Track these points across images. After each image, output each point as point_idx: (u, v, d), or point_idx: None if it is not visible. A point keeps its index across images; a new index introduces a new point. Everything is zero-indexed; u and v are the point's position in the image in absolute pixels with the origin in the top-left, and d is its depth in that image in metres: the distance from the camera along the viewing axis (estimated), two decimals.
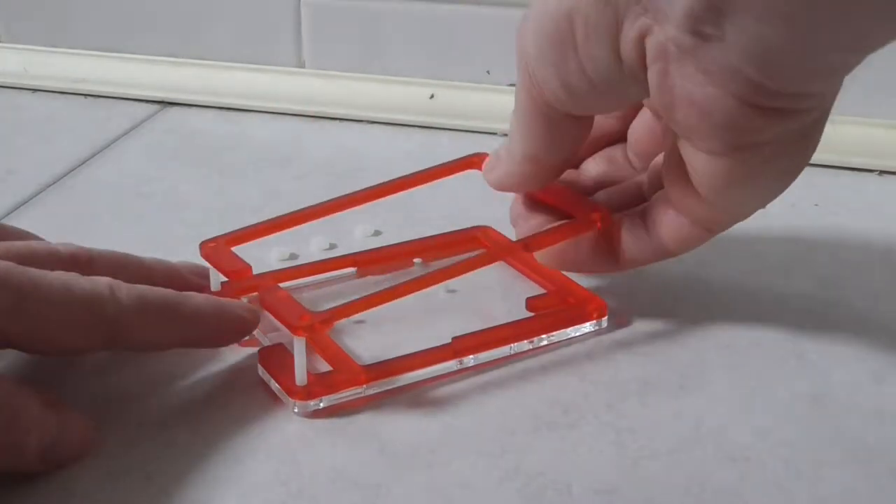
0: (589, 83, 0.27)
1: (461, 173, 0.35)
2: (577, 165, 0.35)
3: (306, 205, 0.34)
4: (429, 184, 0.35)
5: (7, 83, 0.55)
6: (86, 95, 0.54)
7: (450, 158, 0.35)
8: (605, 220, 0.31)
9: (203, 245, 0.33)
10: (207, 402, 0.29)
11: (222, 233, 0.33)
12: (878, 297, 0.34)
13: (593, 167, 0.35)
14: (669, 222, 0.30)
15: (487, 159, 0.33)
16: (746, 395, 0.29)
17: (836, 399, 0.29)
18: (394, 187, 0.35)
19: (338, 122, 0.50)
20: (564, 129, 0.29)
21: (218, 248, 0.32)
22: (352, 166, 0.45)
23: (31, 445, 0.25)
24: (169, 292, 0.29)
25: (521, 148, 0.30)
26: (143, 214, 0.41)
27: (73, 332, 0.27)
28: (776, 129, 0.25)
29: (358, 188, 0.35)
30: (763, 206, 0.29)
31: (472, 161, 0.35)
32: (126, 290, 0.27)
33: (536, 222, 0.32)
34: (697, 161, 0.27)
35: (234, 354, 0.31)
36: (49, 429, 0.26)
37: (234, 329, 0.30)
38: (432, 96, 0.50)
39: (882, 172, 0.44)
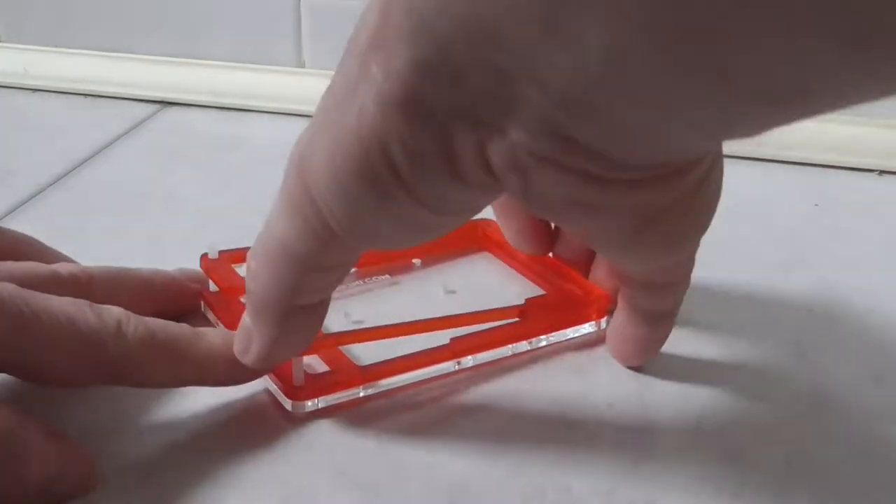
0: (430, 211, 0.22)
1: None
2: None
3: None
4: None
5: (7, 83, 0.55)
6: (86, 95, 0.54)
7: None
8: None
9: (203, 258, 0.33)
10: (206, 403, 0.29)
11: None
12: (878, 297, 0.34)
13: None
14: (646, 295, 0.29)
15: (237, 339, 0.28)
16: (746, 395, 0.29)
17: (836, 399, 0.29)
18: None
19: None
20: (336, 277, 0.25)
21: (218, 263, 0.32)
22: None
23: (32, 479, 0.24)
24: (181, 330, 0.27)
25: (267, 334, 0.26)
26: (143, 214, 0.41)
27: (73, 367, 0.26)
28: (665, 199, 0.23)
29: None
30: (686, 257, 0.27)
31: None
32: (134, 326, 0.26)
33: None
34: (597, 244, 0.26)
35: None
36: (51, 462, 0.24)
37: (248, 372, 0.28)
38: None
39: (882, 172, 0.44)
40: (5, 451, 0.24)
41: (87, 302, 0.26)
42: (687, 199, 0.23)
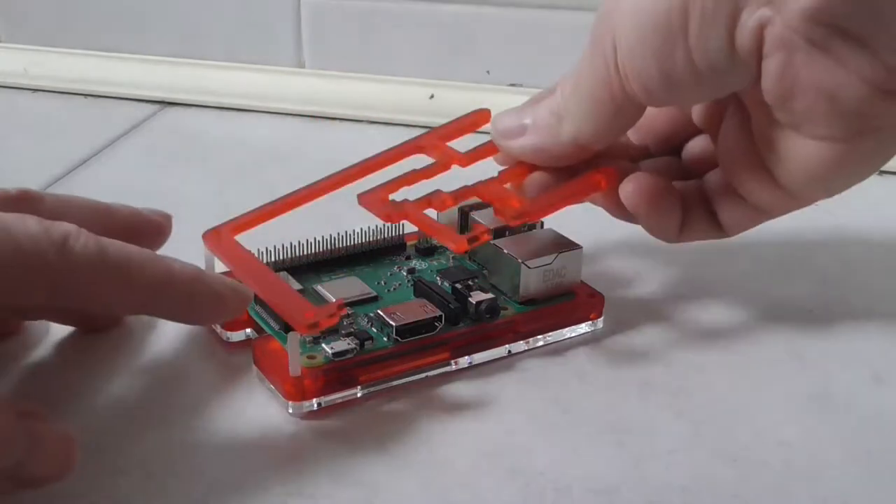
0: (694, 74, 0.26)
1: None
2: None
3: (305, 204, 0.34)
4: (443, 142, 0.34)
5: (7, 83, 0.55)
6: (86, 95, 0.54)
7: None
8: (612, 179, 0.31)
9: (205, 235, 0.32)
10: (205, 403, 0.29)
11: None
12: (878, 297, 0.34)
13: None
14: (732, 209, 0.30)
15: (501, 116, 0.31)
16: (746, 395, 0.29)
17: (836, 399, 0.29)
18: (405, 151, 0.34)
19: (338, 122, 0.51)
20: (629, 119, 0.29)
21: (221, 236, 0.31)
22: None
23: None
24: (137, 251, 0.26)
25: (573, 130, 0.29)
26: None
27: (9, 282, 0.24)
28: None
29: (357, 188, 0.34)
30: (846, 189, 0.29)
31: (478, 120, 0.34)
32: (84, 242, 0.24)
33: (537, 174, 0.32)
34: (802, 149, 0.27)
35: (232, 354, 0.31)
36: (17, 443, 0.22)
37: (209, 307, 0.27)
38: (432, 96, 0.50)
39: (882, 172, 0.44)
40: None
41: (35, 216, 0.25)
42: None
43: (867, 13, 0.23)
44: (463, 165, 0.33)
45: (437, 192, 0.32)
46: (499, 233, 0.33)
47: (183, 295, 0.26)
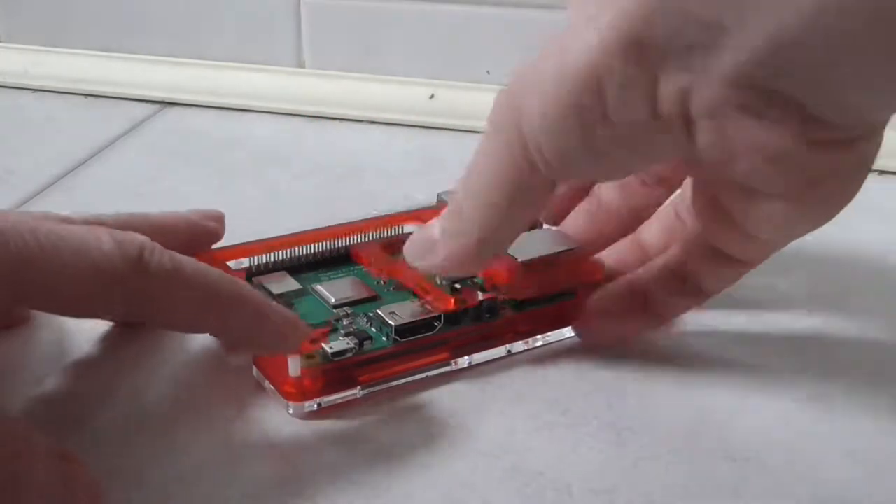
0: (620, 148, 0.24)
1: None
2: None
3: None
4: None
5: (7, 83, 0.55)
6: (86, 95, 0.54)
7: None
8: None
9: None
10: (205, 403, 0.29)
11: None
12: (878, 297, 0.34)
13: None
14: (711, 272, 0.29)
15: (412, 237, 0.29)
16: (746, 395, 0.29)
17: (836, 399, 0.29)
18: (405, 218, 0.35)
19: (338, 122, 0.50)
20: (541, 200, 0.26)
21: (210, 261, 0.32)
22: (352, 166, 0.45)
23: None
24: (213, 270, 0.26)
25: (479, 227, 0.26)
26: None
27: (84, 299, 0.24)
28: (839, 161, 0.25)
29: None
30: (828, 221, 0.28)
31: None
32: (159, 257, 0.24)
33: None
34: (763, 206, 0.26)
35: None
36: (55, 488, 0.22)
37: (272, 337, 0.27)
38: (432, 96, 0.50)
39: (882, 172, 0.44)
40: (8, 473, 0.22)
41: (107, 229, 0.24)
42: (862, 166, 0.25)
43: (790, 72, 0.22)
44: None
45: None
46: None
47: (254, 319, 0.26)
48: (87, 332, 0.32)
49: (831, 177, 0.25)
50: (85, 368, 0.30)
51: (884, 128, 0.25)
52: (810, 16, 0.21)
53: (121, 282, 0.24)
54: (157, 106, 0.53)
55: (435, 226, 0.28)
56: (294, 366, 0.28)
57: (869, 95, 0.23)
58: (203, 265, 0.26)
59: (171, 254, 0.25)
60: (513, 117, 0.25)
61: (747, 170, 0.24)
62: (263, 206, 0.41)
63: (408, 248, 0.29)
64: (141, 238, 0.25)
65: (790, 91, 0.22)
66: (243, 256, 0.32)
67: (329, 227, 0.34)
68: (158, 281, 0.24)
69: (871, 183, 0.27)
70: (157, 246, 0.25)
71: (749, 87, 0.22)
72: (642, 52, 0.23)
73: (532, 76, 0.25)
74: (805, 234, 0.28)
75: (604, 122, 0.24)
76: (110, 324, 0.32)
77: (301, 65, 0.53)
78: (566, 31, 0.24)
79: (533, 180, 0.25)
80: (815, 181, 0.25)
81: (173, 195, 0.42)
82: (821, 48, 0.21)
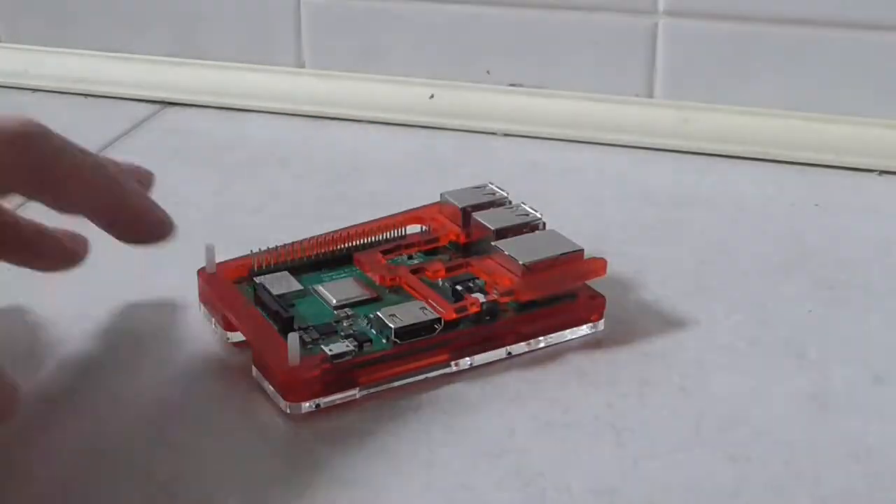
0: None
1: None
2: None
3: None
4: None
5: (7, 83, 0.55)
6: (86, 95, 0.54)
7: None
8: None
9: (201, 274, 0.32)
10: (205, 404, 0.29)
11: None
12: (878, 297, 0.34)
13: None
14: None
15: None
16: (746, 395, 0.29)
17: (836, 399, 0.29)
18: (406, 220, 0.35)
19: (338, 122, 0.51)
20: None
21: (216, 279, 0.32)
22: (352, 166, 0.45)
23: None
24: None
25: None
26: None
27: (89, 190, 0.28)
28: None
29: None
30: None
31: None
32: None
33: None
34: None
35: (232, 355, 0.31)
36: None
37: (150, 223, 0.31)
38: (432, 96, 0.50)
39: (882, 172, 0.44)
40: None
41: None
42: None
43: None
44: (462, 242, 0.34)
45: (432, 261, 0.33)
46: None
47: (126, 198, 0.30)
48: (86, 332, 0.32)
49: None
50: (85, 368, 0.30)
51: None
52: None
53: (25, 137, 0.27)
54: (157, 106, 0.53)
55: None
56: (294, 355, 0.27)
57: None
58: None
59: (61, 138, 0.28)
60: None
61: None
62: (263, 207, 0.41)
63: None
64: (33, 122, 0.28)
65: None
66: (245, 269, 0.33)
67: (330, 232, 0.34)
68: (58, 140, 0.28)
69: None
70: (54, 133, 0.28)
71: None
72: None
73: None
74: None
75: None
76: (110, 324, 0.32)
77: (301, 65, 0.53)
78: None
79: None
80: None
81: (173, 195, 0.42)
82: None
